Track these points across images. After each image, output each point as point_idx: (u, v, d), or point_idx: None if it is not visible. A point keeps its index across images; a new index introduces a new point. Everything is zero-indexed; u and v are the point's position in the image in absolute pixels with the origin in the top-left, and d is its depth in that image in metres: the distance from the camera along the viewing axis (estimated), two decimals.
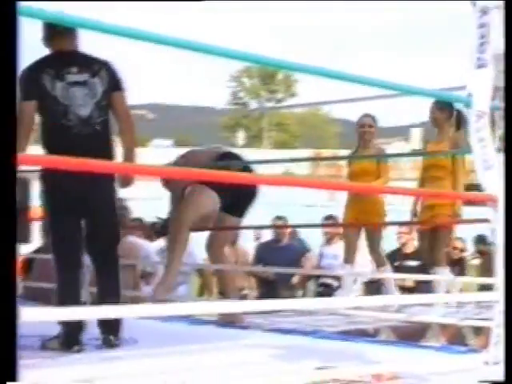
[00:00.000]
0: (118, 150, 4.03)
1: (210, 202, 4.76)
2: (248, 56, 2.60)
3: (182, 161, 5.01)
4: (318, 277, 7.75)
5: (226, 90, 65.28)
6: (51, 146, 3.83)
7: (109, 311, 2.81)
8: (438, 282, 5.71)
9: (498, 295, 2.70)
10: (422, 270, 6.49)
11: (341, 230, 8.21)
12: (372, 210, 6.09)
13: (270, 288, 7.67)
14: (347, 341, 4.30)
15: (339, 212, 6.70)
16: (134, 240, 6.41)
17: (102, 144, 3.88)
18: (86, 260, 4.05)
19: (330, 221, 7.62)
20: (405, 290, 6.97)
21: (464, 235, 8.93)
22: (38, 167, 3.87)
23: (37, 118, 3.90)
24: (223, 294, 5.19)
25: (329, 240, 7.66)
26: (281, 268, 7.20)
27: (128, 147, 4.00)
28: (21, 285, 7.50)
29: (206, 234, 5.26)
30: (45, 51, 3.99)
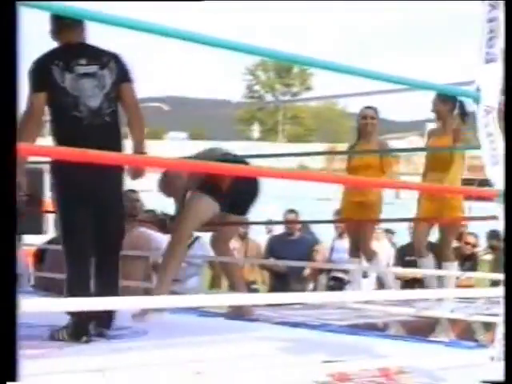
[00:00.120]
0: (128, 142, 4.05)
1: (209, 209, 4.77)
2: (264, 51, 2.61)
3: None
4: (330, 270, 7.75)
5: (242, 83, 65.31)
6: (62, 138, 3.85)
7: (118, 302, 2.82)
8: (447, 277, 5.71)
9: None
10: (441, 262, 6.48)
11: None
12: (370, 203, 6.05)
13: (281, 281, 7.68)
14: (356, 335, 4.30)
15: None
16: (146, 232, 6.42)
17: (111, 135, 3.90)
18: None
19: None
20: (415, 284, 6.96)
21: (477, 230, 8.90)
22: (49, 159, 3.91)
23: (46, 111, 3.92)
24: (231, 288, 5.20)
25: (340, 234, 7.65)
26: (292, 261, 7.19)
27: (137, 139, 4.03)
28: (34, 275, 7.58)
29: None
30: (47, 44, 4.01)
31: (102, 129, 3.88)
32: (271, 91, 64.26)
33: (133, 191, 6.46)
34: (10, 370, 1.35)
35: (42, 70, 3.84)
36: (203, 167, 3.03)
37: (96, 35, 3.99)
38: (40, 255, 7.14)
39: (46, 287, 6.16)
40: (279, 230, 8.79)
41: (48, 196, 3.99)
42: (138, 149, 3.99)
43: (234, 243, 8.11)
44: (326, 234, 8.47)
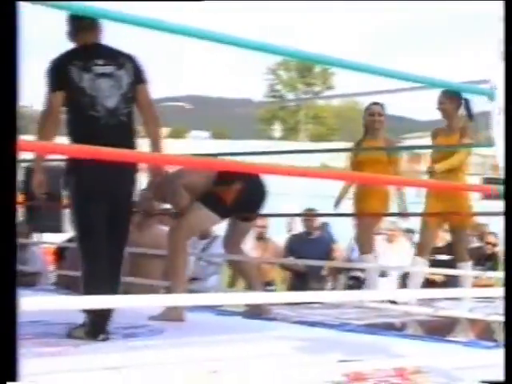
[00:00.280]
0: (144, 142, 4.08)
1: (207, 221, 4.84)
2: (285, 50, 2.61)
3: None
4: (349, 270, 7.73)
5: (264, 82, 65.30)
6: (78, 137, 3.87)
7: (133, 301, 2.81)
8: (464, 277, 5.67)
9: None
10: (452, 264, 6.43)
11: None
12: (375, 201, 5.99)
13: (301, 280, 7.67)
14: (373, 334, 4.28)
15: None
16: (164, 230, 6.44)
17: (127, 135, 3.93)
18: None
19: None
20: (434, 284, 6.93)
21: (498, 230, 8.83)
22: (65, 157, 3.94)
23: (63, 110, 3.95)
24: (248, 288, 5.20)
25: None
26: (311, 260, 7.17)
27: (153, 139, 4.07)
28: (54, 273, 7.63)
29: None
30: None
31: (117, 128, 3.91)
32: (293, 90, 64.20)
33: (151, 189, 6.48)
34: (10, 370, 1.35)
35: (60, 69, 3.87)
36: (215, 165, 3.03)
37: (114, 35, 4.03)
38: (60, 253, 7.20)
39: (67, 285, 6.20)
40: (299, 229, 8.77)
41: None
42: (155, 148, 4.02)
43: (252, 242, 8.10)
44: (344, 234, 8.44)
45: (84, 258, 3.90)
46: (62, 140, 3.87)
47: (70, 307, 3.09)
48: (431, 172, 5.65)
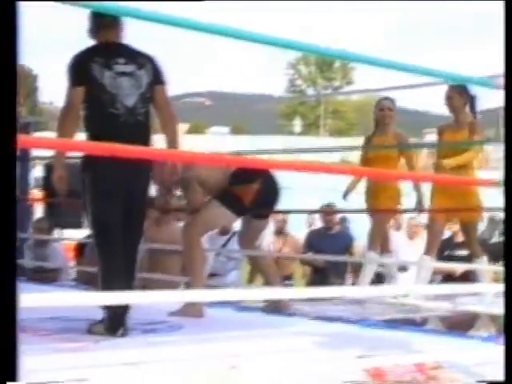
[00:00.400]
0: (161, 142, 4.11)
1: (223, 219, 4.86)
2: (306, 46, 2.61)
3: None
4: None
5: (284, 77, 65.30)
6: (97, 133, 3.88)
7: (152, 297, 2.82)
8: (481, 272, 5.62)
9: None
10: (472, 259, 6.39)
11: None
12: (387, 195, 5.95)
13: (320, 275, 7.65)
14: (393, 330, 4.27)
15: None
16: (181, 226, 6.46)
17: (143, 134, 3.95)
18: None
19: None
20: (454, 279, 6.89)
21: None
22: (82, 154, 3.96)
23: (83, 106, 3.97)
24: (266, 284, 5.19)
25: None
26: (329, 255, 7.16)
27: (170, 139, 4.08)
28: (74, 269, 7.66)
29: None
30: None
31: (135, 127, 3.93)
32: (313, 85, 64.12)
33: (168, 186, 6.49)
34: (10, 370, 1.34)
35: (82, 65, 3.89)
36: (233, 162, 3.02)
37: (133, 31, 4.05)
38: (80, 249, 7.23)
39: (87, 281, 6.22)
40: (319, 224, 8.74)
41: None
42: (172, 147, 4.04)
43: (271, 237, 8.10)
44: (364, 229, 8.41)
45: (100, 255, 3.91)
46: (81, 136, 3.89)
47: (90, 303, 3.11)
48: (439, 168, 5.59)
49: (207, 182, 4.72)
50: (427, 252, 5.72)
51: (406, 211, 6.74)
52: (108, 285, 3.76)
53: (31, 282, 6.47)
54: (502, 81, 2.47)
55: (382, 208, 5.96)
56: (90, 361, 3.10)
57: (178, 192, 6.62)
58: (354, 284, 7.90)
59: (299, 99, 67.41)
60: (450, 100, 5.69)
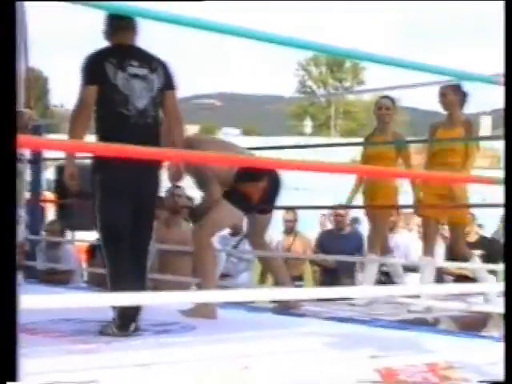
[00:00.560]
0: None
1: (232, 218, 4.87)
2: (315, 45, 2.61)
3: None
4: (380, 265, 7.67)
5: (294, 78, 65.26)
6: (107, 134, 3.91)
7: (164, 297, 2.82)
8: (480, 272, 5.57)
9: None
10: (485, 259, 6.37)
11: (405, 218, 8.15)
12: (383, 195, 5.91)
13: (331, 276, 7.64)
14: (405, 330, 4.26)
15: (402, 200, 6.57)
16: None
17: (152, 136, 3.97)
18: None
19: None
20: (467, 279, 6.86)
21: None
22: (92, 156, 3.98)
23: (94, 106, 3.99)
24: (276, 283, 5.20)
25: (391, 228, 7.57)
26: (342, 256, 7.15)
27: (177, 141, 4.12)
28: (86, 271, 7.68)
29: None
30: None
31: (144, 129, 3.96)
32: (323, 86, 64.06)
33: (177, 186, 6.51)
34: (10, 370, 1.35)
35: (96, 64, 3.93)
36: (240, 162, 3.03)
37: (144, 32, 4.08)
38: (92, 251, 7.23)
39: (99, 283, 6.23)
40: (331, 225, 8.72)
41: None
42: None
43: (281, 237, 8.08)
44: None
45: (107, 257, 3.93)
46: (92, 138, 3.91)
47: (102, 305, 3.11)
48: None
49: (221, 179, 4.73)
50: (425, 253, 5.67)
51: (402, 207, 6.67)
52: (116, 286, 3.78)
53: (43, 284, 6.51)
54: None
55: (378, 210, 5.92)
56: (102, 362, 3.11)
57: (185, 192, 6.65)
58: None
59: (310, 100, 67.29)
60: (443, 97, 5.61)
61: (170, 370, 3.02)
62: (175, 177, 4.29)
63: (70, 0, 1.97)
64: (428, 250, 5.63)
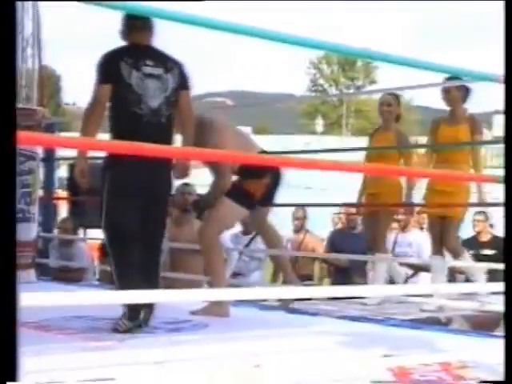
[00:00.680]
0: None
1: (237, 216, 4.86)
2: (327, 45, 2.61)
3: None
4: None
5: (306, 77, 65.20)
6: (120, 133, 3.93)
7: (176, 295, 2.82)
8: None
9: None
10: (497, 258, 6.35)
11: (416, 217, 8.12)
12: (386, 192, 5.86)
13: (343, 275, 7.63)
14: (418, 329, 4.25)
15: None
16: None
17: (165, 135, 4.00)
18: None
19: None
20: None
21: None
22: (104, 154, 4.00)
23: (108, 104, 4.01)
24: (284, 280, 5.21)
25: (403, 227, 7.56)
26: (354, 255, 7.13)
27: (189, 141, 4.15)
28: (98, 269, 7.71)
29: None
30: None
31: (157, 128, 3.98)
32: (335, 85, 63.98)
33: (187, 185, 6.52)
34: (10, 370, 1.35)
35: (111, 63, 3.96)
36: (253, 159, 3.03)
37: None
38: (105, 249, 7.25)
39: (111, 280, 6.24)
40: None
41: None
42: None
43: (290, 235, 8.05)
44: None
45: (112, 256, 3.95)
46: (105, 136, 3.93)
47: (114, 302, 3.12)
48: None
49: (233, 169, 4.72)
50: (434, 252, 5.64)
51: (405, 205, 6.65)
52: (121, 284, 3.81)
53: (56, 282, 6.53)
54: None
55: (382, 206, 5.88)
56: (115, 360, 3.12)
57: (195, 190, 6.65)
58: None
59: (321, 98, 67.27)
60: (446, 93, 5.58)
61: (183, 367, 3.02)
62: (182, 172, 4.28)
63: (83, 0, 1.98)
64: (437, 248, 5.61)
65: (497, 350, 3.52)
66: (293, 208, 8.11)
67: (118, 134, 3.97)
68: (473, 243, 7.41)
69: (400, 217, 7.48)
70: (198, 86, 4.52)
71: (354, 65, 63.09)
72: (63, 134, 8.54)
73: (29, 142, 2.10)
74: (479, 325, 5.15)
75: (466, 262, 5.66)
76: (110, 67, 3.95)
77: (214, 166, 4.72)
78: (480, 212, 7.49)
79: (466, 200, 5.53)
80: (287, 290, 3.76)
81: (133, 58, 3.97)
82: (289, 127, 58.52)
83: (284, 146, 17.48)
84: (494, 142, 13.75)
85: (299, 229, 8.13)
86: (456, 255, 5.58)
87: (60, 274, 7.02)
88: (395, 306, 5.58)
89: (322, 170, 3.03)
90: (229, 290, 3.59)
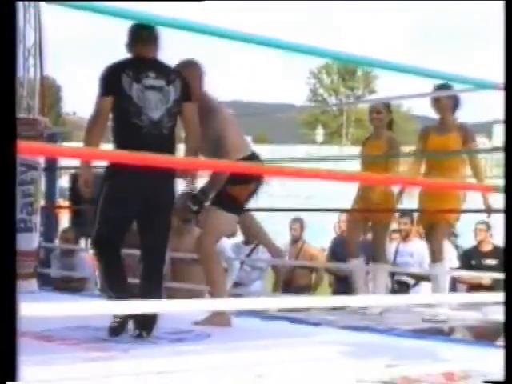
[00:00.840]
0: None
1: (228, 224, 4.84)
2: (326, 52, 2.61)
3: None
4: (394, 274, 7.65)
5: (306, 86, 65.26)
6: (122, 144, 3.98)
7: (177, 305, 2.82)
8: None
9: None
10: (500, 268, 6.34)
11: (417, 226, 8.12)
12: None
13: (344, 284, 7.62)
14: (421, 339, 4.25)
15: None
16: None
17: (166, 146, 4.01)
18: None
19: (404, 218, 7.49)
20: (482, 288, 6.83)
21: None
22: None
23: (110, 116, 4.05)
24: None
25: (405, 237, 7.56)
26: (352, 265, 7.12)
27: (192, 153, 4.18)
28: (100, 279, 7.69)
29: None
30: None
31: (158, 139, 4.00)
32: (335, 94, 64.03)
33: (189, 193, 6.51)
34: (10, 370, 1.35)
35: (113, 76, 4.00)
36: (252, 169, 3.03)
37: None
38: None
39: None
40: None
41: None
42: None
43: (286, 246, 8.03)
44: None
45: (98, 264, 4.02)
46: (107, 147, 3.96)
47: (117, 312, 3.12)
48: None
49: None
50: (433, 260, 5.62)
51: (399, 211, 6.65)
52: (109, 293, 3.87)
53: (58, 292, 6.53)
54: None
55: (376, 214, 5.87)
56: (118, 370, 3.11)
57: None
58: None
59: (321, 108, 67.32)
60: (436, 102, 5.56)
61: (185, 377, 3.02)
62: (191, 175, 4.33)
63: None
64: (435, 256, 5.59)
65: (499, 359, 3.53)
66: (290, 218, 8.15)
67: (119, 145, 4.02)
68: (475, 253, 7.39)
69: (402, 227, 7.49)
70: None
71: (353, 74, 63.15)
72: (64, 144, 8.55)
73: (30, 151, 2.10)
74: (481, 335, 5.15)
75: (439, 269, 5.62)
76: (111, 80, 3.99)
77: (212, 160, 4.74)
78: (482, 222, 7.48)
79: (456, 206, 5.53)
80: (289, 299, 3.76)
81: (134, 70, 4.01)
82: (289, 137, 58.52)
83: (284, 156, 17.52)
84: (489, 150, 13.78)
85: (297, 239, 8.11)
86: (435, 259, 5.57)
87: (62, 283, 7.02)
88: (397, 315, 5.57)
89: (308, 179, 3.02)
90: (231, 300, 3.59)
